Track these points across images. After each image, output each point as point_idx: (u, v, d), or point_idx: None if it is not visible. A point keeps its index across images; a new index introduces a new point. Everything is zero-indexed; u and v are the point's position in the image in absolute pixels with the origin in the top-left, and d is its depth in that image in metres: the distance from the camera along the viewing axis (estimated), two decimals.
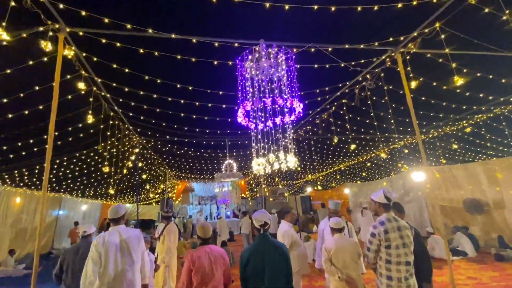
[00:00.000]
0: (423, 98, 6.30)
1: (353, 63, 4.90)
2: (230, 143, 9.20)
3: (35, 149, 6.72)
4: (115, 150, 7.23)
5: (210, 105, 5.41)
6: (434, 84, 5.57)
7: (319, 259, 3.90)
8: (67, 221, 13.13)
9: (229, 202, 15.09)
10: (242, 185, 18.57)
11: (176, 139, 7.81)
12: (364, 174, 15.28)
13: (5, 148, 6.33)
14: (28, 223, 11.53)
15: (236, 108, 5.72)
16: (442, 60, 4.99)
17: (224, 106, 5.50)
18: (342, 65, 4.46)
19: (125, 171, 7.49)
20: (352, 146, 7.13)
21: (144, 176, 10.77)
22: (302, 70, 4.73)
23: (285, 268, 2.53)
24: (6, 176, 8.46)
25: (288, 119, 4.18)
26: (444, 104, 6.53)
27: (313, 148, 9.68)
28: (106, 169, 6.39)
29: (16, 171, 7.79)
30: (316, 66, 4.55)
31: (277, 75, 4.08)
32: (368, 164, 14.22)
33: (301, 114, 4.23)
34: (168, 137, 7.63)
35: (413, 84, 4.89)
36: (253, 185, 20.53)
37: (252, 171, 16.73)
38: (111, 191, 8.12)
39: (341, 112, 7.29)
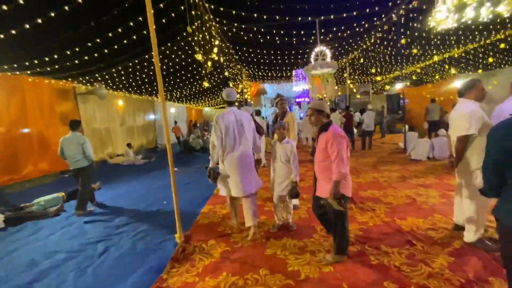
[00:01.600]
0: None
1: None
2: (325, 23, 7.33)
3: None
4: (200, 37, 6.39)
5: None
6: None
7: None
8: (162, 121, 14.71)
9: (310, 100, 14.08)
10: (318, 81, 16.74)
11: (265, 17, 6.37)
12: (490, 60, 11.49)
13: (106, 51, 6.07)
14: (132, 122, 13.15)
15: None
16: None
17: None
18: None
19: (209, 63, 6.86)
20: None
21: (226, 74, 10.25)
22: None
23: None
24: (109, 80, 8.88)
25: None
26: None
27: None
28: (199, 57, 5.79)
29: (115, 73, 7.95)
30: None
31: None
32: (502, 45, 10.40)
33: None
34: (255, 15, 6.26)
35: None
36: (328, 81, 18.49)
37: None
38: (206, 84, 7.85)
39: None
